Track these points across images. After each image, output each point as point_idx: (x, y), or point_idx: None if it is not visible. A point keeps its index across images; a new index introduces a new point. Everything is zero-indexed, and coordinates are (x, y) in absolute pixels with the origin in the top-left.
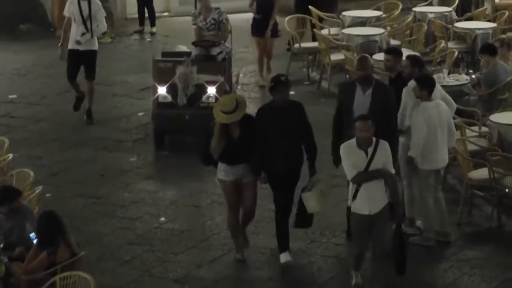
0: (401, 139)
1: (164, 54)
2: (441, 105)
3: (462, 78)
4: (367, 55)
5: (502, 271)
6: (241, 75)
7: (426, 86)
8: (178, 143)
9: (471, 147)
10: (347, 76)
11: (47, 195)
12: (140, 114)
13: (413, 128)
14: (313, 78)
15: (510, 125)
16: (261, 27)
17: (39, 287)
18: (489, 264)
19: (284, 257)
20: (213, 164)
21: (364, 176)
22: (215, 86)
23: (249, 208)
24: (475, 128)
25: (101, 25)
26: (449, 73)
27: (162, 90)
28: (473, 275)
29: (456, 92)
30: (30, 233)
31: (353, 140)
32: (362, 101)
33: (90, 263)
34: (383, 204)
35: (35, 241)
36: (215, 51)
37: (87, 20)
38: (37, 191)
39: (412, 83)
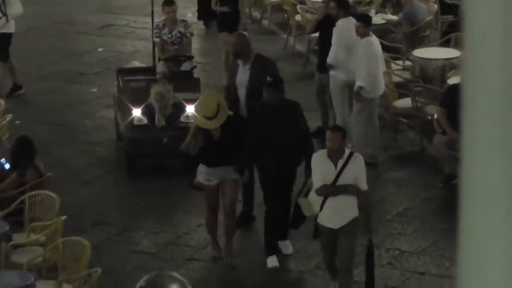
0: (333, 73)
1: (122, 71)
2: (377, 40)
3: (388, 18)
4: (243, 32)
5: (423, 189)
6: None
7: (369, 23)
8: None
9: (396, 79)
10: (285, 15)
11: (17, 122)
12: (100, 49)
13: (360, 61)
14: (254, 17)
15: (430, 60)
16: (231, 20)
17: (10, 204)
18: (412, 184)
19: (271, 261)
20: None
21: (329, 190)
22: (194, 105)
23: (227, 205)
24: (400, 62)
25: (16, 7)
26: (376, 13)
27: (137, 111)
28: (398, 194)
29: (382, 30)
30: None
31: (325, 150)
32: (242, 76)
33: (55, 183)
34: (350, 218)
35: (6, 166)
36: (185, 66)
37: (1, 5)
38: (8, 118)
39: (340, 23)
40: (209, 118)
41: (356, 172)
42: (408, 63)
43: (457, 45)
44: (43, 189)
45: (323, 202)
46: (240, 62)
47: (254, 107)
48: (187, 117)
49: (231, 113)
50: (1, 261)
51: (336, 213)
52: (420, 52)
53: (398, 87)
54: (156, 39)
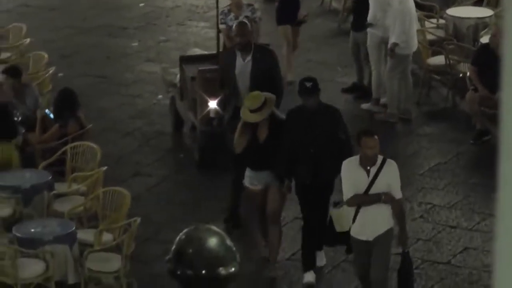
0: (370, 30)
1: (185, 59)
2: None
3: None
4: (245, 21)
5: (455, 145)
6: None
7: None
8: None
9: (429, 37)
10: None
11: (59, 74)
12: (141, 5)
13: (395, 18)
14: None
15: (463, 18)
16: (291, 11)
17: (53, 154)
18: (444, 139)
19: (307, 277)
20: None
21: (361, 200)
22: None
23: (270, 215)
24: (433, 20)
25: None
26: None
27: (213, 103)
28: (430, 149)
29: None
30: (43, 109)
31: (357, 157)
32: (243, 68)
33: (96, 135)
34: (384, 229)
35: (50, 115)
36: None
37: None
38: (50, 71)
39: None
40: (253, 111)
41: (389, 179)
42: (441, 21)
43: (490, 4)
44: (85, 140)
45: (356, 213)
46: (238, 53)
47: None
48: None
49: (281, 116)
50: (43, 209)
51: (370, 225)
52: (454, 11)
53: (431, 45)
54: (222, 26)
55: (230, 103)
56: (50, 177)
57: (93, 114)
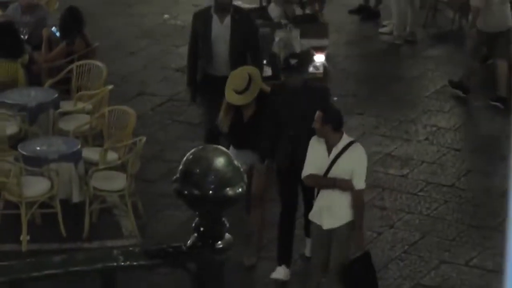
0: None
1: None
2: None
3: None
4: None
5: (461, 68)
6: None
7: None
8: None
9: None
10: None
11: None
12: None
13: None
14: None
15: None
16: None
17: (59, 73)
18: (450, 62)
19: (277, 272)
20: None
21: (315, 181)
22: (323, 53)
23: (253, 195)
24: None
25: None
26: None
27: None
28: (436, 71)
29: None
30: (50, 28)
31: None
32: (220, 32)
33: (102, 54)
34: (339, 222)
35: (57, 34)
36: (310, 8)
37: None
38: None
39: None
40: (238, 92)
41: (352, 165)
42: None
43: None
44: (90, 59)
45: (316, 194)
46: (214, 14)
47: (236, 65)
48: (316, 67)
49: (268, 89)
50: (48, 128)
51: (325, 212)
52: None
53: None
54: None
55: (199, 67)
56: (56, 96)
57: (99, 33)
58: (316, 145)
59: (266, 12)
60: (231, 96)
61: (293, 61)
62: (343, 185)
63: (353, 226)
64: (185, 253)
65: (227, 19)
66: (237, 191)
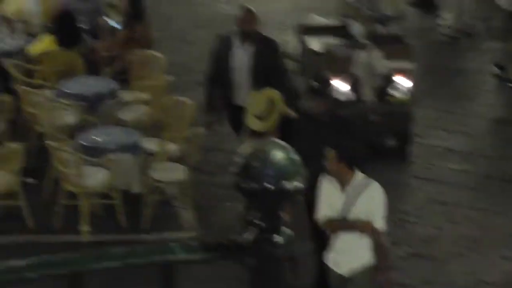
0: None
1: (305, 29)
2: None
3: None
4: (251, 8)
5: None
6: None
7: None
8: None
9: None
10: None
11: None
12: None
13: None
14: None
15: None
16: None
17: (117, 63)
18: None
19: None
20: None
21: (336, 225)
22: (407, 76)
23: None
24: None
25: None
26: None
27: (340, 84)
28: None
29: None
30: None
31: None
32: (242, 58)
33: (161, 43)
34: (360, 266)
35: (116, 25)
36: (394, 28)
37: None
38: None
39: None
40: (258, 118)
41: (370, 205)
42: None
43: None
44: (150, 48)
45: (332, 239)
46: (237, 41)
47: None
48: (398, 90)
49: (294, 115)
50: (107, 118)
51: (342, 256)
52: None
53: None
54: None
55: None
56: (115, 85)
57: (158, 23)
58: (328, 185)
59: (347, 31)
60: (252, 122)
61: (315, 84)
62: (363, 227)
63: (375, 271)
64: (243, 247)
65: (250, 47)
66: (295, 184)
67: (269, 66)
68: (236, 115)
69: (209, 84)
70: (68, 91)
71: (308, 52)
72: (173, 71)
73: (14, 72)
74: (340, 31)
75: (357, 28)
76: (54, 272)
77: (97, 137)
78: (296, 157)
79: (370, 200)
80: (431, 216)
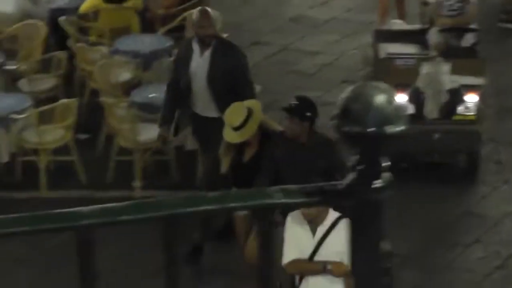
0: None
1: (381, 33)
2: None
3: None
4: (207, 8)
5: None
6: None
7: None
8: None
9: None
10: None
11: None
12: None
13: None
14: None
15: None
16: None
17: (173, 20)
18: None
19: None
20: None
21: (303, 267)
22: (477, 93)
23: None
24: None
25: None
26: None
27: (402, 98)
28: None
29: None
30: None
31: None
32: (199, 64)
33: (216, 2)
34: None
35: None
36: (467, 41)
37: None
38: None
39: None
40: (235, 129)
41: (344, 245)
42: None
43: None
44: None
45: (299, 282)
46: (196, 45)
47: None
48: (467, 108)
49: (278, 127)
50: (162, 75)
51: None
52: None
53: None
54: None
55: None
56: (170, 43)
57: None
58: (296, 224)
59: (423, 37)
60: (227, 134)
61: (293, 103)
62: (336, 269)
63: None
64: (342, 191)
65: (208, 52)
66: (397, 128)
67: (229, 75)
68: (199, 126)
69: (167, 92)
70: (124, 49)
71: (376, 59)
72: (228, 30)
73: (69, 29)
74: (416, 36)
75: (434, 36)
76: (149, 215)
77: (152, 93)
78: (397, 100)
79: (344, 239)
80: (485, 175)
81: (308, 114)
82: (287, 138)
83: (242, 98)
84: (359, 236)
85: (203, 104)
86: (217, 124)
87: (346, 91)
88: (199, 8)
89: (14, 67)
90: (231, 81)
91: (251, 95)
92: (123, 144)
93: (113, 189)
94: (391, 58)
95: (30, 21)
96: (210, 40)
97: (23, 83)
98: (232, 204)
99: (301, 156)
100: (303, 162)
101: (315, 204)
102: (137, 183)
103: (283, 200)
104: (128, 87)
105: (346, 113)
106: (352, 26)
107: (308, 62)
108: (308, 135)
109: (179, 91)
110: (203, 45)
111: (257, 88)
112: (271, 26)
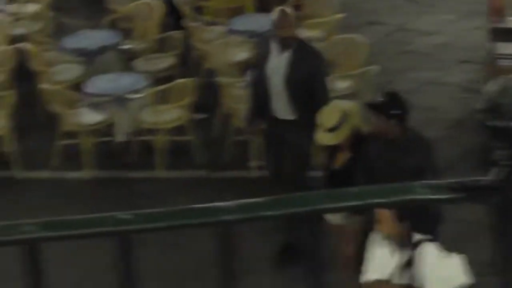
0: None
1: (499, 32)
2: None
3: None
4: (286, 8)
5: None
6: None
7: None
8: None
9: None
10: None
11: None
12: None
13: None
14: None
15: None
16: None
17: (287, 0)
18: None
19: None
20: None
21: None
22: None
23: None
24: None
25: None
26: None
27: None
28: None
29: None
30: None
31: None
32: (275, 65)
33: None
34: None
35: None
36: None
37: None
38: None
39: None
40: (329, 131)
41: (423, 270)
42: None
43: None
44: None
45: None
46: (275, 45)
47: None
48: None
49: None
50: None
51: None
52: None
53: None
54: None
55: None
56: None
57: None
58: (381, 243)
59: None
60: (321, 137)
61: (380, 100)
62: None
63: None
64: (488, 187)
65: (287, 53)
66: None
67: (307, 79)
68: (271, 129)
69: (251, 91)
70: (240, 28)
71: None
72: (344, 9)
73: (184, 8)
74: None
75: None
76: (290, 211)
77: None
78: None
79: (423, 264)
80: None
81: (395, 111)
82: (378, 136)
83: (316, 103)
84: (508, 233)
85: (279, 105)
86: (292, 127)
87: (491, 84)
88: (278, 8)
89: (130, 46)
90: (308, 85)
91: (325, 100)
92: (239, 124)
93: (230, 170)
94: (496, 58)
95: (145, 0)
96: (289, 41)
97: (139, 63)
98: (375, 200)
99: (392, 154)
100: (394, 161)
101: (460, 201)
102: (253, 164)
103: (429, 196)
104: (245, 67)
105: (494, 107)
106: (469, 6)
107: (424, 41)
108: (399, 132)
109: (260, 89)
110: (282, 46)
111: (374, 68)
112: (386, 6)
